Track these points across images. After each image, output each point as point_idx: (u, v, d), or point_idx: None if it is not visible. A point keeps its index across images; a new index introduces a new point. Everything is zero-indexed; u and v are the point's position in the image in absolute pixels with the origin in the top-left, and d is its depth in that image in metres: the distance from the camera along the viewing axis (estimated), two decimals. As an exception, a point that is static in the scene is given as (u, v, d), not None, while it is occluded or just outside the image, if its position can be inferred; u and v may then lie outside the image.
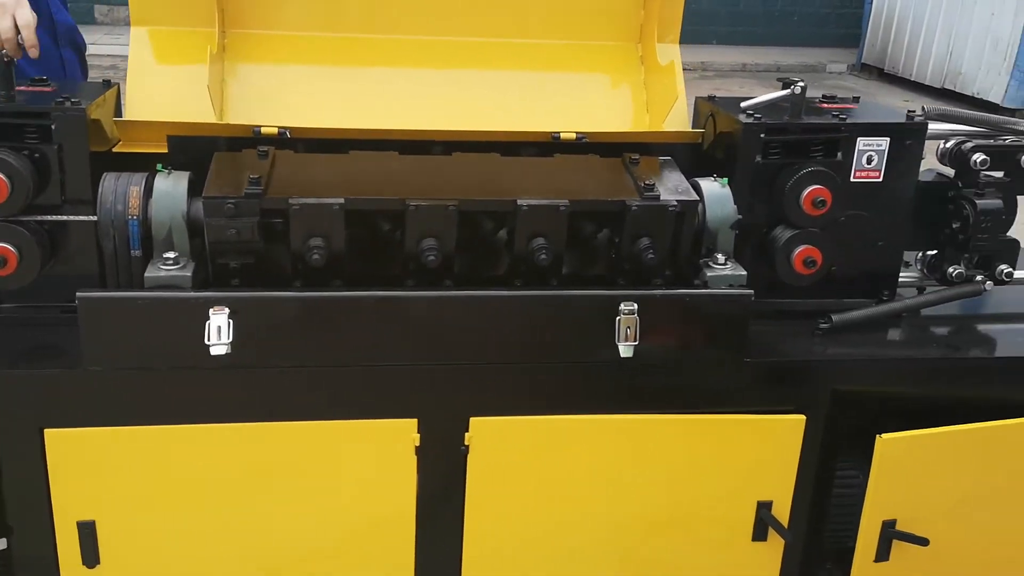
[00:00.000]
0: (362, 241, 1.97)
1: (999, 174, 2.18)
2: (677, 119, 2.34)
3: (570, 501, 2.06)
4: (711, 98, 2.30)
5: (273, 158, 1.99)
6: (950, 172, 2.24)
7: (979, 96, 10.07)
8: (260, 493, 1.95)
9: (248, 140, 2.07)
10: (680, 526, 2.11)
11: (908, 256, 2.36)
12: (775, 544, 2.12)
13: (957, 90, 10.47)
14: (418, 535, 2.04)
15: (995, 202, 2.12)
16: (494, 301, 1.90)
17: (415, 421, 1.95)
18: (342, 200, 1.84)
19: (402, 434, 1.94)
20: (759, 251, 2.16)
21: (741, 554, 2.13)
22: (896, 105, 2.11)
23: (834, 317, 2.14)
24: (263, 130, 2.08)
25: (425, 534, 2.04)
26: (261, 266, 1.90)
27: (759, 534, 2.11)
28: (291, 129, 2.11)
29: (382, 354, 1.91)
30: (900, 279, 2.29)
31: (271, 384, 1.90)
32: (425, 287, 1.92)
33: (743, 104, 2.17)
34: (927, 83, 11.02)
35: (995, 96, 9.82)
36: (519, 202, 1.89)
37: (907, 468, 2.00)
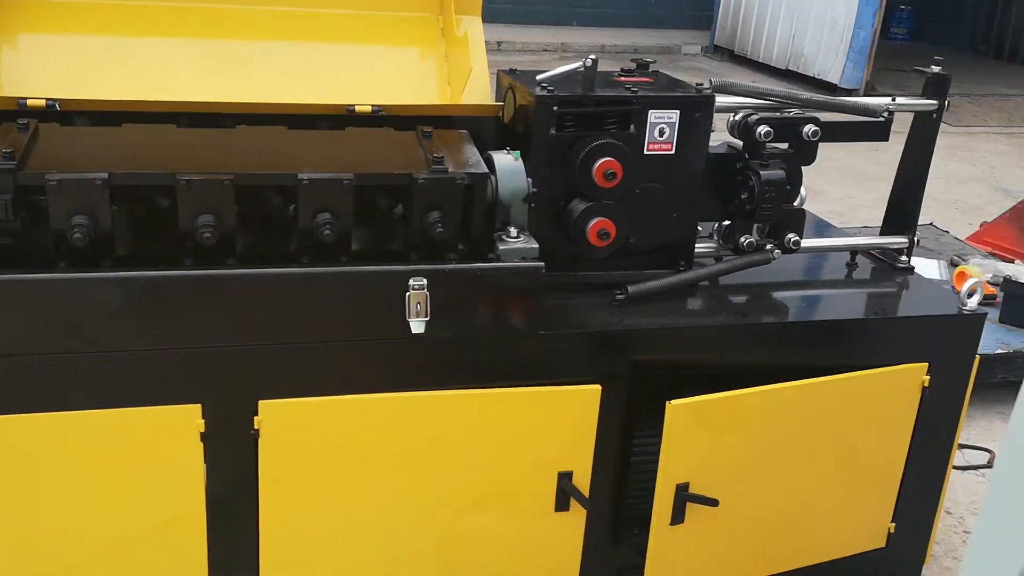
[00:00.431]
0: (136, 219, 1.87)
1: (784, 146, 2.25)
2: (480, 92, 2.32)
3: (371, 483, 2.02)
4: (511, 71, 2.29)
5: (34, 131, 1.86)
6: (741, 144, 2.30)
7: (819, 77, 10.50)
8: (31, 492, 1.82)
9: (14, 113, 1.93)
10: (485, 500, 2.10)
11: (708, 227, 2.43)
12: (577, 513, 2.14)
13: (800, 71, 10.88)
14: (210, 529, 1.95)
15: (778, 173, 2.19)
16: (276, 279, 1.84)
17: (199, 407, 1.86)
18: (105, 175, 1.74)
19: (185, 421, 1.86)
20: (558, 224, 2.17)
21: (545, 525, 2.14)
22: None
23: (630, 288, 2.17)
24: (29, 102, 1.94)
25: (218, 528, 1.96)
26: (22, 247, 1.77)
27: (561, 504, 2.12)
28: (62, 101, 1.98)
29: (158, 337, 1.81)
30: (698, 249, 2.35)
31: (36, 373, 1.78)
32: (203, 266, 1.83)
33: (538, 77, 2.16)
34: (773, 64, 11.42)
35: (833, 77, 10.27)
36: (300, 176, 1.83)
37: (696, 432, 2.05)
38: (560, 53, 13.08)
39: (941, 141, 8.08)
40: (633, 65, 2.33)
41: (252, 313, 1.85)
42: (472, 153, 2.03)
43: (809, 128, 2.22)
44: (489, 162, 2.01)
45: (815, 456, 2.20)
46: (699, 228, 2.48)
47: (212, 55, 2.25)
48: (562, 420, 2.06)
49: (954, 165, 7.48)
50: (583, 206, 2.11)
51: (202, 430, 1.87)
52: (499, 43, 12.35)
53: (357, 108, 2.12)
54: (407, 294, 1.87)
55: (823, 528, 2.31)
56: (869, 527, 2.37)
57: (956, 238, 4.78)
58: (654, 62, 2.36)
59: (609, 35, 13.92)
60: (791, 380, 2.14)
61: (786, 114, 2.26)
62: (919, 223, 4.54)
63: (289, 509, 1.98)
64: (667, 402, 2.02)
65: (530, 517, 2.14)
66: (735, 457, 2.12)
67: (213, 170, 1.81)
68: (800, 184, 2.29)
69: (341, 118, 2.12)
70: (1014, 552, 0.76)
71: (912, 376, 2.23)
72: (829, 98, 2.29)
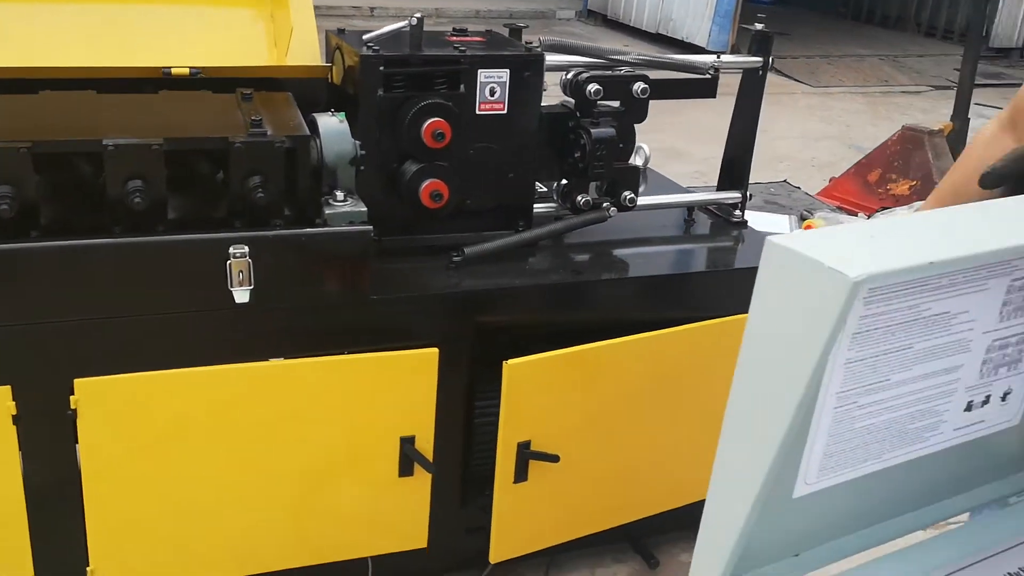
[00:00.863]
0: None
1: (616, 104, 2.27)
2: (309, 53, 2.25)
3: (204, 461, 1.95)
4: (340, 31, 2.23)
5: None
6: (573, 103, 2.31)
7: (688, 40, 10.70)
8: None
9: None
10: (328, 470, 2.07)
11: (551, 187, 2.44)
12: (422, 477, 2.13)
13: (669, 35, 11.07)
14: (31, 519, 1.86)
15: (608, 131, 2.21)
16: (81, 251, 1.75)
17: (8, 388, 1.76)
18: None
19: (-7, 404, 1.76)
20: (392, 187, 2.14)
21: (391, 490, 2.13)
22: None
23: (466, 250, 2.16)
24: None
25: (40, 517, 1.87)
26: None
27: (405, 469, 2.11)
28: None
29: (-45, 317, 1.71)
30: (539, 209, 2.35)
31: None
32: (2, 240, 1.72)
33: (365, 37, 2.11)
34: (644, 28, 11.58)
35: (700, 40, 10.48)
36: (106, 142, 1.74)
37: (534, 390, 2.06)
38: (435, 19, 12.92)
39: (800, 101, 8.38)
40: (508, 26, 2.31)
41: (60, 288, 1.76)
42: (294, 115, 1.97)
43: (639, 86, 2.24)
44: (312, 125, 1.96)
45: (654, 408, 2.25)
46: (543, 188, 2.50)
47: (19, 19, 2.11)
48: (401, 385, 2.04)
49: (812, 124, 7.76)
50: (414, 168, 2.09)
51: (13, 412, 1.78)
52: (372, 8, 12.11)
53: (174, 71, 2.03)
54: (228, 262, 1.82)
55: (665, 478, 2.37)
56: (709, 475, 2.44)
57: (807, 194, 4.97)
58: (527, 27, 2.33)
59: (483, 0, 13.82)
60: (630, 335, 2.17)
61: (616, 72, 2.28)
62: (774, 180, 4.67)
63: (117, 493, 1.90)
64: (504, 361, 2.03)
65: (375, 484, 2.12)
66: (575, 413, 2.14)
67: (9, 138, 1.70)
68: (633, 142, 2.31)
69: (156, 81, 2.02)
70: (745, 489, 0.79)
71: (744, 326, 2.30)
72: (657, 56, 2.32)
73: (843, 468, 0.94)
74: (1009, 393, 1.04)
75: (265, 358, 1.94)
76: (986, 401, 1.02)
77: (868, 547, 1.01)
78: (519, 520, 2.20)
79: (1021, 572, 1.00)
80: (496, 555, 2.20)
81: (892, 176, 4.67)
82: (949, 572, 0.99)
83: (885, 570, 0.99)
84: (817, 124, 7.78)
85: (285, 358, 1.95)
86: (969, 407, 1.01)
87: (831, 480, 0.93)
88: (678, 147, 6.46)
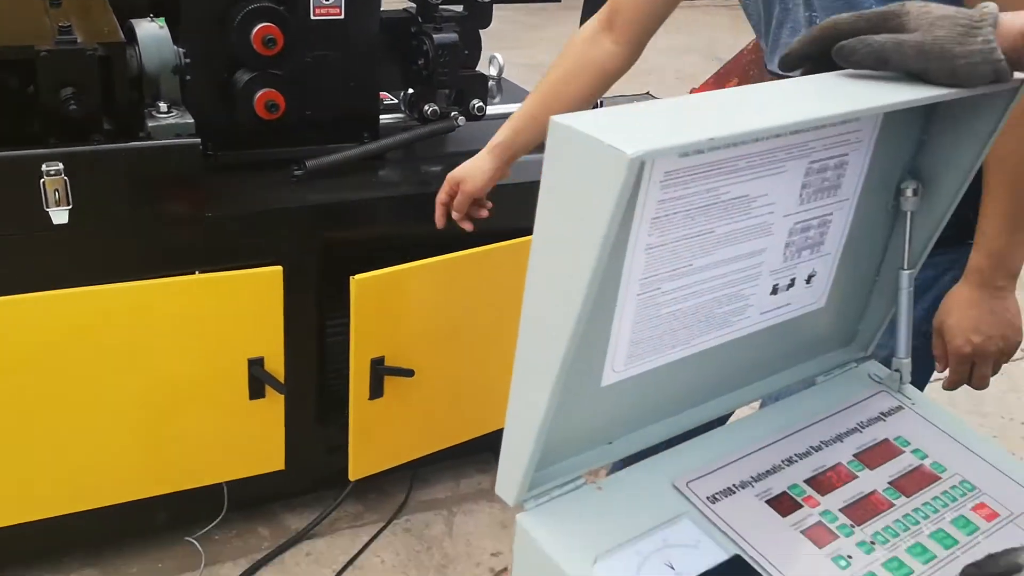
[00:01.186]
0: None
1: (459, 8, 2.21)
2: (126, -45, 2.09)
3: (41, 390, 1.85)
4: (158, -70, 2.07)
5: None
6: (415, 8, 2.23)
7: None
8: None
9: None
10: (176, 395, 2.00)
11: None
12: (274, 399, 2.09)
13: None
14: None
15: (451, 36, 2.15)
16: None
17: None
18: None
19: None
20: (227, 99, 2.03)
21: (243, 414, 2.07)
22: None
23: (308, 163, 2.08)
24: None
25: None
26: None
27: (256, 392, 2.06)
28: None
29: None
30: (387, 120, 2.29)
31: None
32: None
33: (183, -64, 1.97)
34: (513, -58, 11.42)
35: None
36: None
37: (384, 305, 2.03)
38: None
39: (668, 17, 8.31)
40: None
41: None
42: (109, 21, 1.83)
43: (481, -12, 2.18)
44: (130, 31, 1.83)
45: (507, 316, 2.24)
46: (392, 99, 2.42)
47: None
48: (245, 305, 1.97)
49: (678, 38, 7.82)
50: (247, 77, 1.99)
51: None
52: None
53: (-29, -26, 1.85)
54: (42, 181, 1.69)
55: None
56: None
57: (670, 106, 5.03)
58: None
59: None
60: (480, 246, 2.15)
61: (459, -26, 2.21)
62: (639, 93, 4.70)
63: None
64: (351, 277, 1.98)
65: (226, 408, 2.06)
66: (428, 326, 2.12)
67: None
68: (479, 48, 2.26)
69: (-49, -14, 1.84)
70: (543, 377, 0.78)
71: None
72: (498, -42, 2.26)
73: (651, 355, 0.95)
74: (813, 276, 1.07)
75: (95, 283, 1.83)
76: (791, 284, 1.05)
77: (680, 431, 1.04)
78: (377, 436, 2.18)
79: (823, 445, 1.05)
80: (355, 472, 2.19)
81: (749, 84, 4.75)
82: (759, 447, 1.03)
83: (698, 449, 1.01)
84: (683, 38, 7.85)
85: (118, 282, 1.85)
86: (775, 290, 1.03)
87: (639, 367, 0.94)
88: (547, 62, 6.40)
